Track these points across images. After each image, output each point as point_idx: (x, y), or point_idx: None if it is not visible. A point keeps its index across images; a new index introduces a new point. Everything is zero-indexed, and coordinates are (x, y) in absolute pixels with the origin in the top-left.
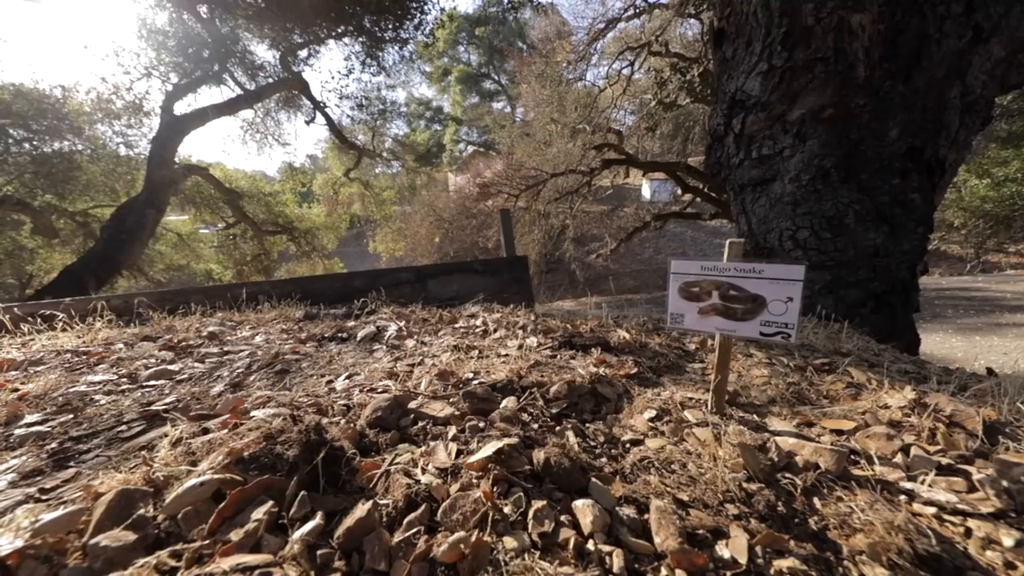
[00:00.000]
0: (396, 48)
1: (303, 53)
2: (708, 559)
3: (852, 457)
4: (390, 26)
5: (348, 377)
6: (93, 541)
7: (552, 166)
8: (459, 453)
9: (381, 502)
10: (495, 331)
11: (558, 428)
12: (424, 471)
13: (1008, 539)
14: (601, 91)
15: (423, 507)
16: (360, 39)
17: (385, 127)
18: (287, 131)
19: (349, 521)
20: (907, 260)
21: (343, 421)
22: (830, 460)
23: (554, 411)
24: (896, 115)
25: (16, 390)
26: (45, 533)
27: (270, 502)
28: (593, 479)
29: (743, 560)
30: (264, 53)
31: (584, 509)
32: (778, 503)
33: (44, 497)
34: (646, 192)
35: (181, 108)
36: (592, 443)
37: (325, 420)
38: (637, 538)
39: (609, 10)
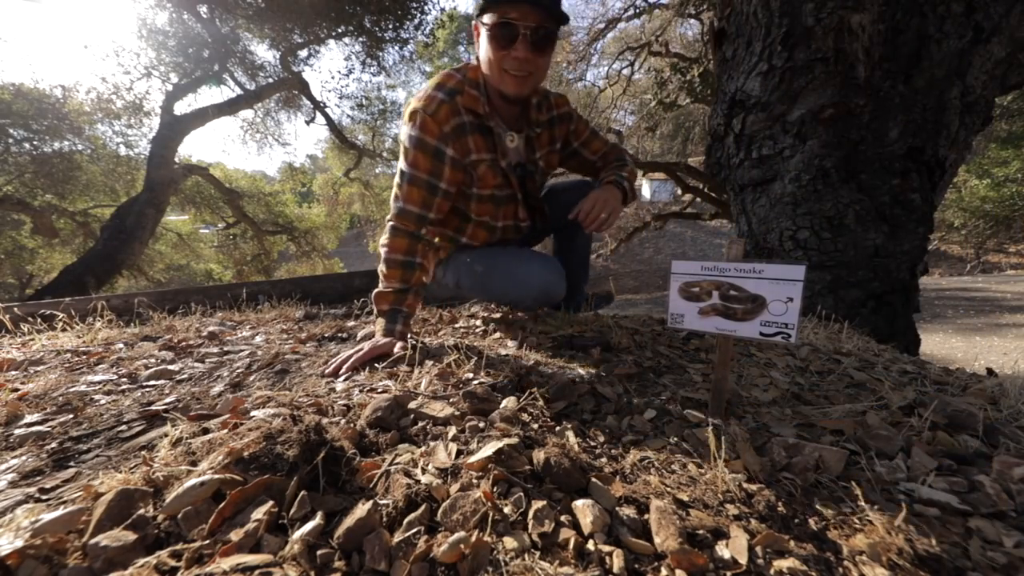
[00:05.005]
0: (396, 48)
1: (303, 53)
2: (708, 559)
3: (852, 457)
4: (390, 26)
5: (348, 377)
6: (93, 541)
7: None
8: (459, 453)
9: (381, 502)
10: (495, 331)
11: (558, 428)
12: (424, 471)
13: (1008, 539)
14: (601, 91)
15: (423, 507)
16: (360, 39)
17: (385, 127)
18: (287, 131)
19: (349, 521)
20: (907, 260)
21: (343, 421)
22: (830, 460)
23: (554, 411)
24: (896, 115)
25: (16, 390)
26: (45, 533)
27: (270, 502)
28: (593, 479)
29: (743, 560)
30: (264, 53)
31: (584, 509)
32: (778, 503)
33: (44, 497)
34: (646, 192)
35: (181, 108)
36: (592, 443)
37: (325, 420)
38: (637, 538)
39: (609, 10)
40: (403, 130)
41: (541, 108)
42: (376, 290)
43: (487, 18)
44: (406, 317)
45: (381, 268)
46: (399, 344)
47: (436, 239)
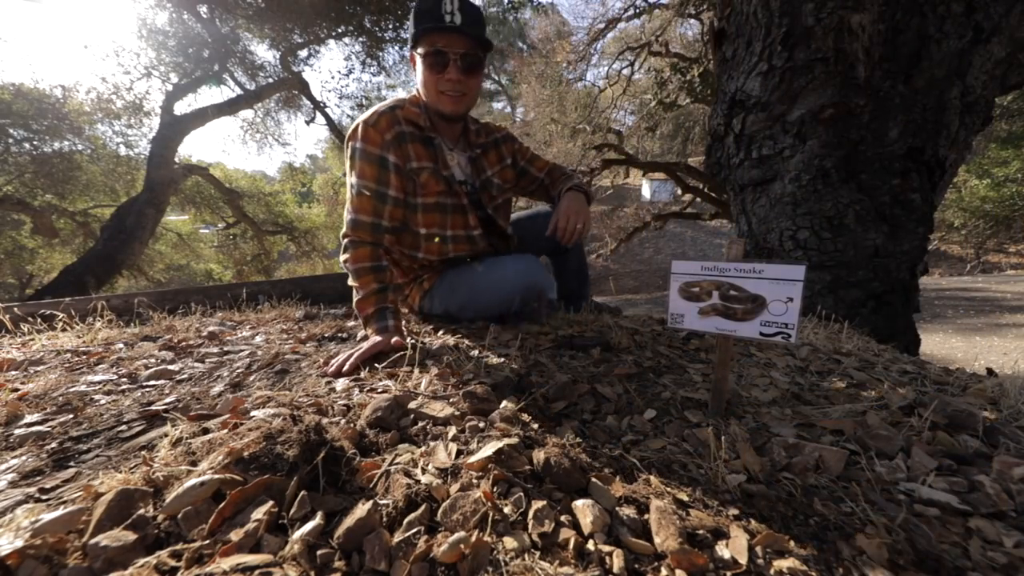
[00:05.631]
0: (396, 48)
1: (303, 53)
2: (708, 559)
3: (852, 457)
4: (390, 26)
5: (349, 376)
6: (93, 541)
7: None
8: (459, 453)
9: (381, 502)
10: (495, 331)
11: (558, 428)
12: (424, 471)
13: (1008, 539)
14: (601, 91)
15: (423, 507)
16: (360, 39)
17: None
18: (287, 131)
19: (349, 521)
20: (907, 260)
21: (343, 421)
22: (830, 460)
23: (554, 411)
24: (896, 115)
25: (16, 390)
26: (45, 533)
27: (270, 502)
28: (593, 479)
29: (743, 560)
30: (264, 53)
31: (584, 509)
32: (778, 503)
33: (44, 497)
34: (646, 192)
35: (181, 108)
36: (592, 443)
37: (325, 420)
38: (637, 538)
39: (609, 10)
40: (348, 146)
41: (480, 133)
42: (355, 299)
43: (421, 48)
44: (395, 313)
45: (352, 281)
46: (396, 339)
47: (400, 259)
